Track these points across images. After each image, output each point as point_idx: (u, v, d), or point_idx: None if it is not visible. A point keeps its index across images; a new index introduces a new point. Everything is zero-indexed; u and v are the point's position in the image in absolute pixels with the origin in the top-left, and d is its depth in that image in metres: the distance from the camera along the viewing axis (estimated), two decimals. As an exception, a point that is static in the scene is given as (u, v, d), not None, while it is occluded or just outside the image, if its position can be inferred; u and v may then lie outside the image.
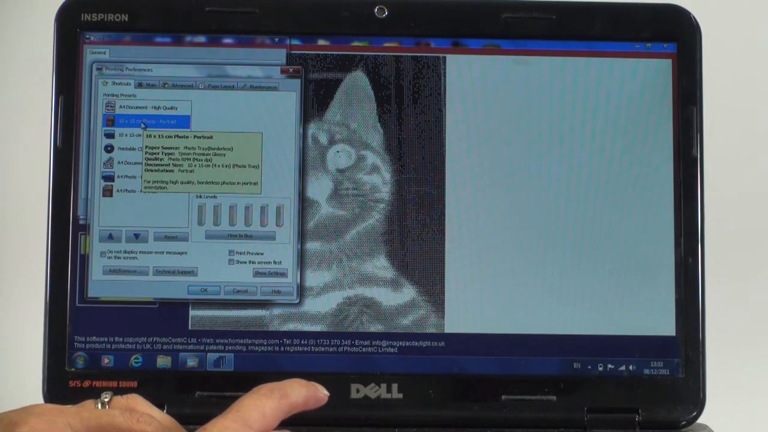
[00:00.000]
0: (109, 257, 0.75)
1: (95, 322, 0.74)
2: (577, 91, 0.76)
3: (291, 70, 0.76)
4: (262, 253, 0.75)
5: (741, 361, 0.98)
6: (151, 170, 0.75)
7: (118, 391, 0.71)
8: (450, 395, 0.74)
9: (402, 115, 0.76)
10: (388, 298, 0.75)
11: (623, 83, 0.76)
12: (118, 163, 0.75)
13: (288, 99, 0.76)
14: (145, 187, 0.75)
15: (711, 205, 0.76)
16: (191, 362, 0.74)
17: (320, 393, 0.61)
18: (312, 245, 0.75)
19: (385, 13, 0.77)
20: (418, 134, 0.76)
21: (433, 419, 0.74)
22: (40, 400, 0.73)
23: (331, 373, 0.74)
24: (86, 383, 0.74)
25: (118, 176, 0.75)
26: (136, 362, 0.74)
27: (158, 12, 0.76)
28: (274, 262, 0.75)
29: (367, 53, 0.76)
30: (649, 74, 0.76)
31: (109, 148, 0.75)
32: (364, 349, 0.75)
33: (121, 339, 0.74)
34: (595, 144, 0.76)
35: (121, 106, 0.76)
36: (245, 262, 0.75)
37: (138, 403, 0.59)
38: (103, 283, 0.74)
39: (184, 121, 0.76)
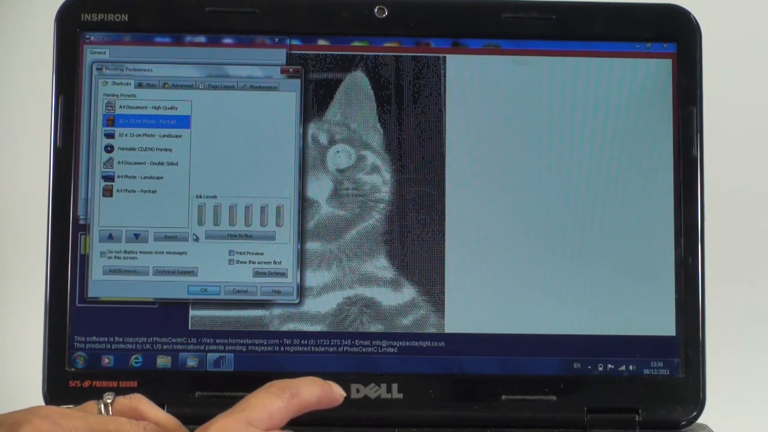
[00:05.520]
0: (109, 257, 0.75)
1: (95, 322, 0.74)
2: (577, 91, 0.76)
3: (291, 70, 0.76)
4: (262, 253, 0.75)
5: (741, 361, 0.98)
6: (151, 170, 0.75)
7: (119, 391, 0.71)
8: (450, 395, 0.74)
9: (402, 115, 0.76)
10: (388, 298, 0.75)
11: (623, 83, 0.76)
12: (118, 163, 0.75)
13: (288, 99, 0.76)
14: (145, 187, 0.75)
15: (711, 205, 0.76)
16: (191, 362, 0.74)
17: (336, 393, 0.60)
18: (312, 245, 0.75)
19: (385, 13, 0.77)
20: (418, 134, 0.76)
21: (433, 419, 0.74)
22: (40, 400, 0.73)
23: (331, 373, 0.74)
24: (86, 383, 0.74)
25: (118, 176, 0.75)
26: (136, 362, 0.74)
27: (158, 12, 0.76)
28: (274, 262, 0.75)
29: (367, 53, 0.76)
30: (649, 74, 0.76)
31: (109, 148, 0.75)
32: (364, 349, 0.75)
33: (121, 339, 0.74)
34: (595, 144, 0.76)
35: (121, 106, 0.76)
36: (245, 262, 0.75)
37: (141, 402, 0.59)
38: (103, 283, 0.74)
39: (184, 121, 0.76)
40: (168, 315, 0.74)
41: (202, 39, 0.76)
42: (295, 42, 0.76)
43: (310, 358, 0.74)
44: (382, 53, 0.76)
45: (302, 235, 0.75)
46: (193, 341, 0.74)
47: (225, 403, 0.59)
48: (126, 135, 0.76)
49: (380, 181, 0.76)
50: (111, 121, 0.76)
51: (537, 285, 0.75)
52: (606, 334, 0.75)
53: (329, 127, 0.76)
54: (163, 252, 0.75)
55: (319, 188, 0.76)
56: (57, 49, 0.76)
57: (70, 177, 0.75)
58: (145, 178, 0.75)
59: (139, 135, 0.76)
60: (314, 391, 0.59)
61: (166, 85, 0.76)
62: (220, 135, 0.76)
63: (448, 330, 0.75)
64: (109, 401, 0.59)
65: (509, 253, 0.75)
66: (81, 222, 0.75)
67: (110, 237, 0.75)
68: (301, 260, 0.75)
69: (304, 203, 0.75)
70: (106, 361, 0.74)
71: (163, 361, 0.74)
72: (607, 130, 0.76)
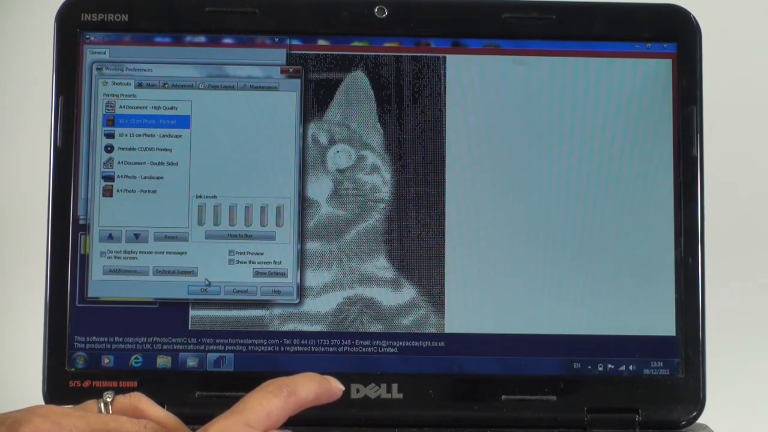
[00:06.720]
0: (109, 257, 0.75)
1: (95, 322, 0.74)
2: (577, 91, 0.76)
3: (291, 70, 0.76)
4: (262, 253, 0.75)
5: (741, 361, 0.98)
6: (151, 170, 0.75)
7: (119, 392, 0.71)
8: (450, 395, 0.74)
9: (402, 115, 0.76)
10: (388, 298, 0.75)
11: (623, 83, 0.76)
12: (118, 163, 0.75)
13: (288, 99, 0.76)
14: (145, 187, 0.75)
15: (711, 205, 0.76)
16: (191, 362, 0.74)
17: (333, 388, 0.60)
18: (312, 245, 0.75)
19: (385, 13, 0.77)
20: (418, 134, 0.76)
21: (433, 419, 0.74)
22: (40, 400, 0.73)
23: (331, 373, 0.73)
24: (86, 383, 0.74)
25: (118, 176, 0.75)
26: (136, 362, 0.74)
27: (158, 12, 0.76)
28: (274, 262, 0.75)
29: (367, 53, 0.76)
30: (649, 74, 0.76)
31: (109, 148, 0.75)
32: (364, 349, 0.75)
33: (121, 339, 0.74)
34: (595, 144, 0.76)
35: (121, 106, 0.76)
36: (245, 262, 0.75)
37: (141, 401, 0.59)
38: (103, 283, 0.74)
39: (184, 121, 0.76)
40: (168, 315, 0.74)
41: (202, 39, 0.76)
42: (295, 42, 0.76)
43: (310, 358, 0.74)
44: (382, 53, 0.76)
45: (302, 235, 0.75)
46: (193, 341, 0.74)
47: (225, 403, 0.59)
48: (126, 135, 0.76)
49: (380, 181, 0.76)
50: (111, 121, 0.76)
51: (537, 285, 0.75)
52: (606, 334, 0.75)
53: (329, 127, 0.76)
54: (163, 252, 0.75)
55: (319, 188, 0.76)
56: (57, 49, 0.76)
57: (70, 177, 0.75)
58: (145, 178, 0.75)
59: (139, 135, 0.76)
60: (311, 388, 0.59)
61: (166, 85, 0.76)
62: (220, 135, 0.76)
63: (448, 330, 0.75)
64: (109, 400, 0.59)
65: (509, 253, 0.75)
66: (81, 222, 0.75)
67: (110, 237, 0.75)
68: (301, 260, 0.75)
69: (304, 203, 0.75)
70: (106, 361, 0.74)
71: (163, 361, 0.74)
72: (607, 130, 0.76)
